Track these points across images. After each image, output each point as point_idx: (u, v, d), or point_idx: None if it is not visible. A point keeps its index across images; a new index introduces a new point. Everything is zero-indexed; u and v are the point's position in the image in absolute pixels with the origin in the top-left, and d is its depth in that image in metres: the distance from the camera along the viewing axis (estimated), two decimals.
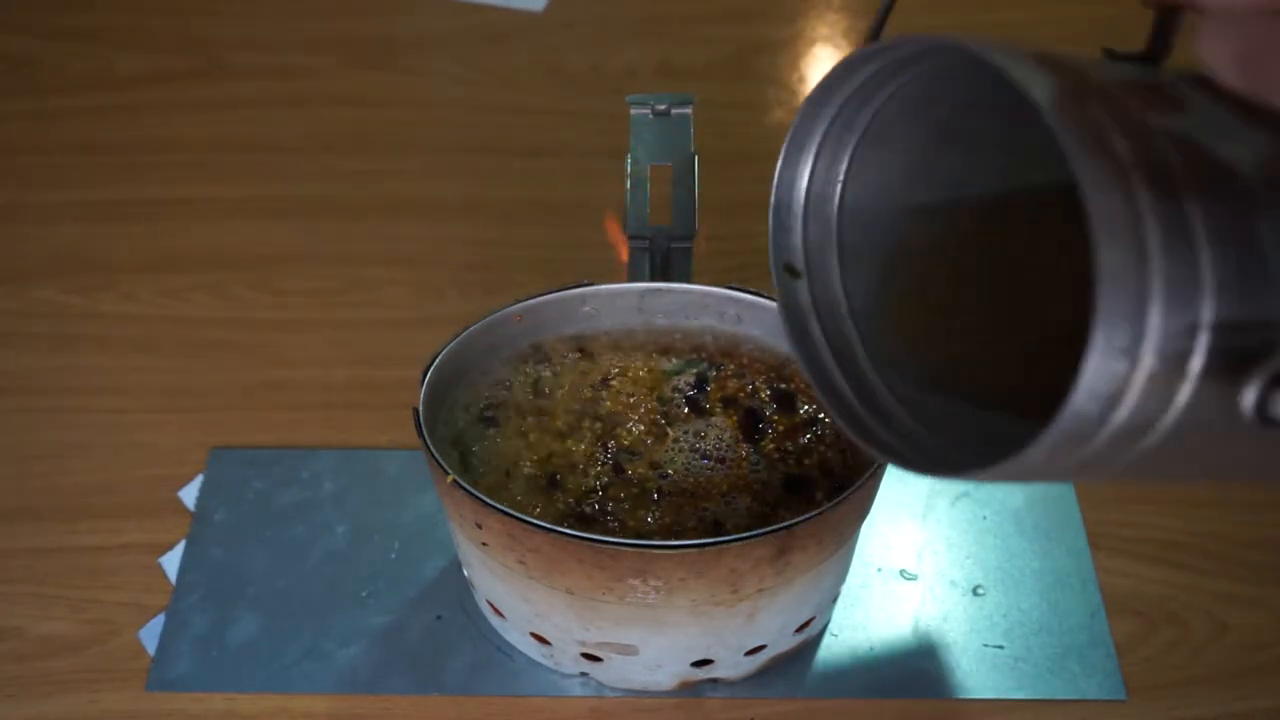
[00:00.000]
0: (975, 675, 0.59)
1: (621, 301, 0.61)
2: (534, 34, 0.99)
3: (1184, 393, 0.30)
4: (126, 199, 0.84)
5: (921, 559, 0.64)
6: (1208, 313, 0.29)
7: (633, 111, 0.61)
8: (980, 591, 0.62)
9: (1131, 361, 0.29)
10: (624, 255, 0.61)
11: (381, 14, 1.01)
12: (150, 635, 0.60)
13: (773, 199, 0.43)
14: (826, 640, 0.60)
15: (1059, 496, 0.66)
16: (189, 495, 0.66)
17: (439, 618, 0.61)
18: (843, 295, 0.44)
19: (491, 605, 0.58)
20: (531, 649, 0.59)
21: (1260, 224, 0.30)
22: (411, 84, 0.94)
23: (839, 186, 0.43)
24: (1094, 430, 0.31)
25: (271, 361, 0.73)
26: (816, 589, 0.56)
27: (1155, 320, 0.29)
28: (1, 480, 0.67)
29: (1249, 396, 0.29)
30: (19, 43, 0.97)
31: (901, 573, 0.63)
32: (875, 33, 0.40)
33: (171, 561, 0.63)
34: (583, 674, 0.58)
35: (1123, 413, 0.30)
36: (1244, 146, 0.31)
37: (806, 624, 0.58)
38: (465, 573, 0.60)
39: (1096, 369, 0.29)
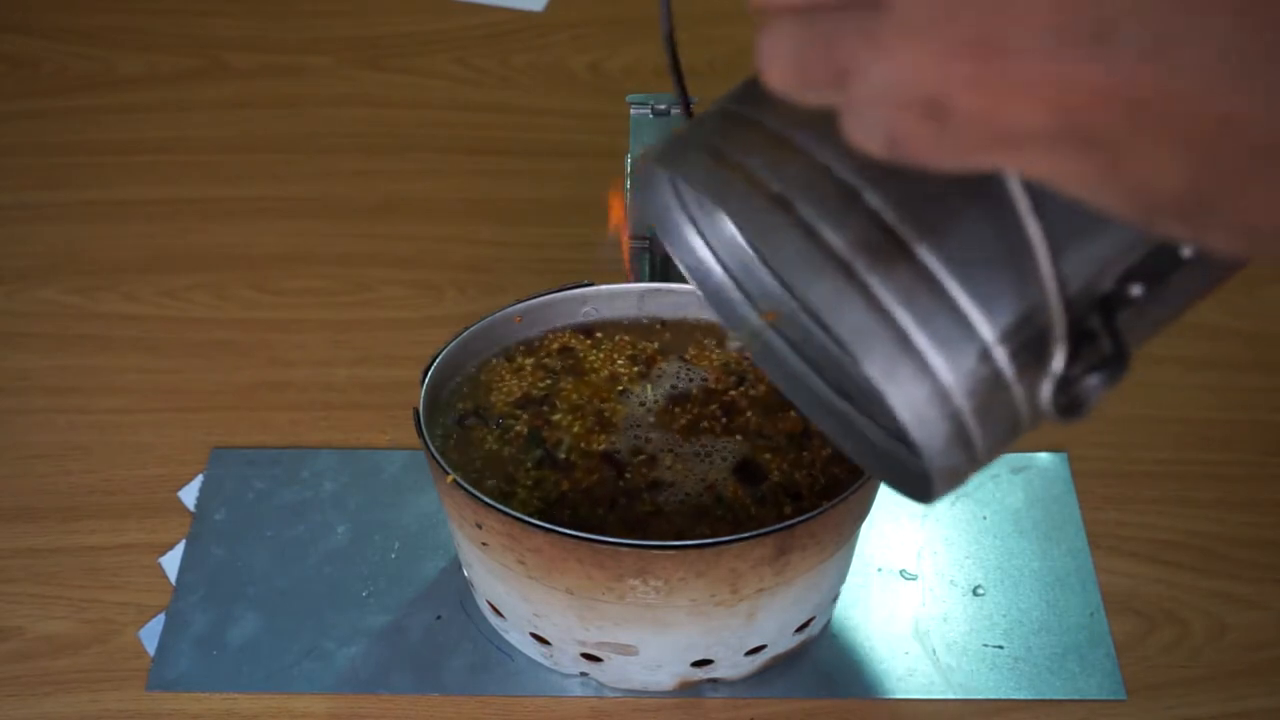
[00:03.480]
0: (975, 675, 0.59)
1: (621, 302, 0.61)
2: (534, 34, 0.99)
3: (1018, 394, 0.31)
4: (127, 199, 0.84)
5: (921, 559, 0.64)
6: (988, 332, 0.30)
7: (633, 111, 0.61)
8: (980, 591, 0.62)
9: (951, 417, 0.31)
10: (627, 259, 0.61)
11: (381, 14, 1.01)
12: (150, 635, 0.60)
13: (679, 263, 0.44)
14: (826, 640, 0.60)
15: (1059, 497, 0.66)
16: (189, 495, 0.66)
17: (439, 618, 0.61)
18: (785, 292, 0.45)
19: (491, 605, 0.58)
20: (531, 649, 0.59)
21: (982, 225, 0.30)
22: (411, 84, 0.94)
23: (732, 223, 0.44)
24: (971, 457, 0.32)
25: (271, 361, 0.73)
26: (816, 589, 0.56)
27: (947, 377, 0.30)
28: (1, 480, 0.67)
29: (1044, 397, 0.30)
30: (19, 43, 0.97)
31: (901, 573, 0.63)
32: (683, 106, 0.42)
33: (171, 561, 0.63)
34: (583, 674, 0.58)
35: (980, 440, 0.31)
36: (917, 182, 0.31)
37: (806, 624, 0.58)
38: (465, 573, 0.60)
39: (928, 439, 0.31)
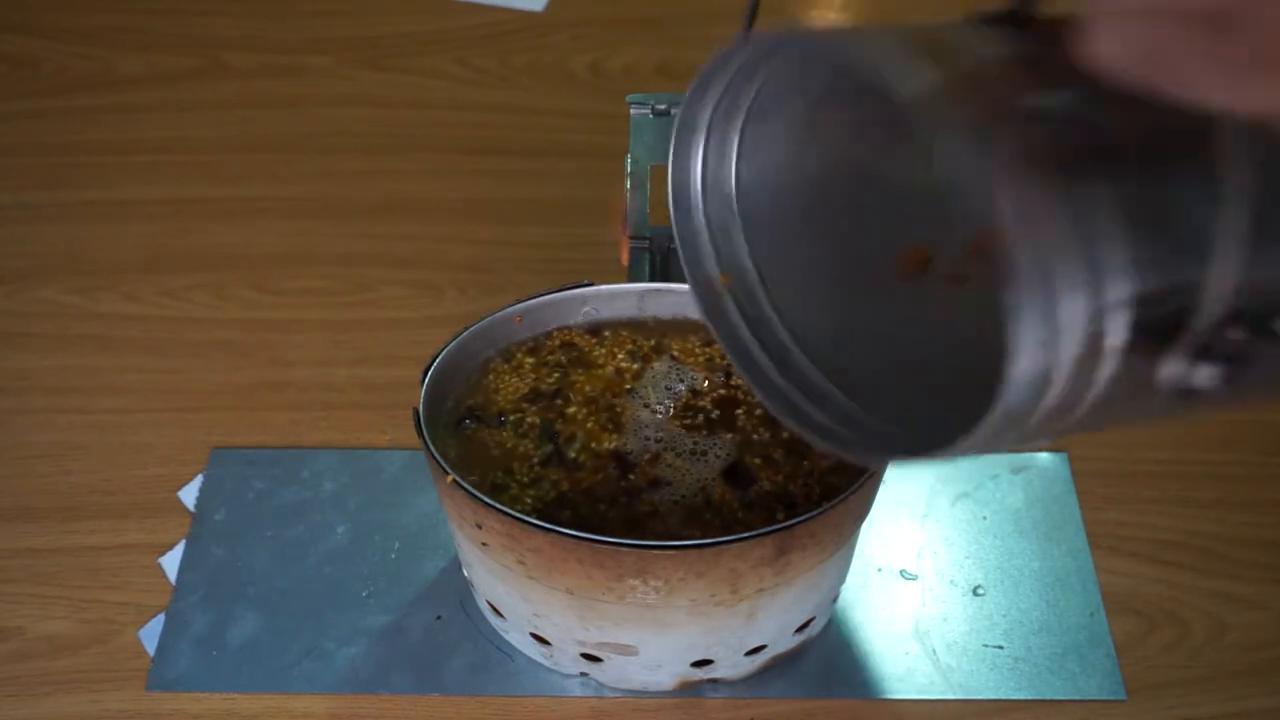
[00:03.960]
0: (975, 675, 0.59)
1: (621, 302, 0.61)
2: (534, 34, 0.99)
3: (1107, 369, 0.31)
4: (127, 199, 0.84)
5: (921, 559, 0.64)
6: (1119, 293, 0.30)
7: (633, 111, 0.61)
8: (980, 591, 0.62)
9: (1053, 353, 0.30)
10: (625, 256, 0.61)
11: (381, 14, 1.01)
12: (150, 635, 0.60)
13: (670, 180, 0.44)
14: (826, 640, 0.60)
15: (1059, 497, 0.66)
16: (189, 495, 0.66)
17: (439, 618, 0.61)
18: (753, 269, 0.45)
19: (491, 605, 0.58)
20: (531, 649, 0.59)
21: (1158, 193, 0.30)
22: (411, 84, 0.95)
23: (733, 165, 0.44)
24: (1028, 413, 0.31)
25: (271, 361, 0.73)
26: (816, 589, 0.56)
27: (1068, 312, 0.30)
28: (1, 480, 0.67)
29: (1168, 370, 0.30)
30: (19, 43, 0.97)
31: (901, 573, 0.63)
32: (748, 23, 0.42)
33: (171, 561, 0.63)
34: (583, 674, 0.58)
35: (1051, 398, 0.31)
36: (1127, 118, 0.30)
37: (806, 624, 0.58)
38: (465, 573, 0.60)
39: (1022, 365, 0.30)
